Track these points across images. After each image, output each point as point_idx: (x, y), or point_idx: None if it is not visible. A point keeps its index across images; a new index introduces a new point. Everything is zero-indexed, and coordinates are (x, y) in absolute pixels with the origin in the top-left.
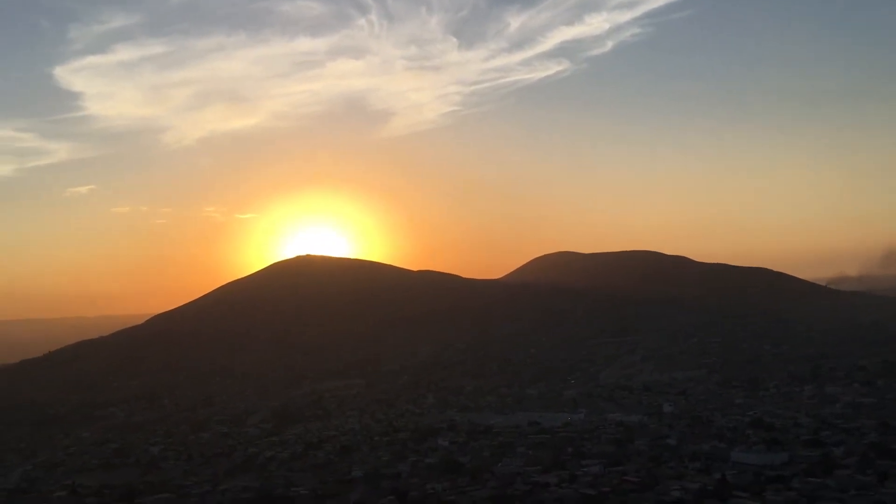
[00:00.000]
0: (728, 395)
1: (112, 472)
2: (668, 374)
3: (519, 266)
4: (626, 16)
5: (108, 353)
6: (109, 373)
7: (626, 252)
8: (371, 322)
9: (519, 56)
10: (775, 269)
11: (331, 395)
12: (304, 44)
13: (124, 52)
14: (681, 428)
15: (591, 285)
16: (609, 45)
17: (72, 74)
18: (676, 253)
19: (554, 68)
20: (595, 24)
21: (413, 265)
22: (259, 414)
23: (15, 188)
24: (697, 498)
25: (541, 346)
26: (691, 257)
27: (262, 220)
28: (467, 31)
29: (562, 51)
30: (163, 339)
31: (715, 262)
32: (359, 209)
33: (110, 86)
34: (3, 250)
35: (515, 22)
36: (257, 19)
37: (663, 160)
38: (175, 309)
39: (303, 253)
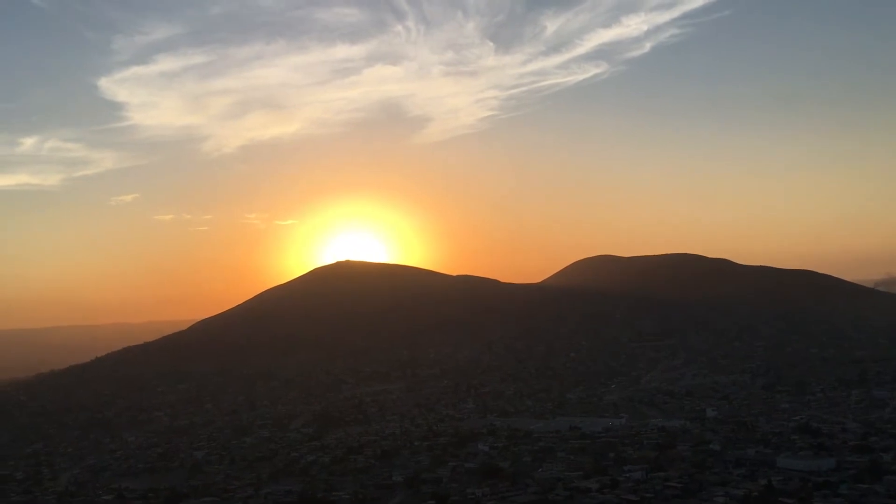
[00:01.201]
0: (773, 399)
1: (157, 475)
2: (711, 379)
3: (558, 270)
4: (664, 17)
5: (153, 359)
6: (155, 377)
7: (666, 255)
8: (410, 326)
9: (556, 59)
10: (821, 271)
11: (371, 400)
12: (342, 51)
13: (166, 63)
14: (725, 433)
15: (632, 289)
16: (647, 46)
17: (116, 85)
18: (718, 256)
19: (592, 71)
20: (633, 25)
21: (452, 270)
22: (300, 418)
23: (63, 197)
24: None
25: (581, 351)
26: (733, 260)
27: (303, 226)
28: (504, 35)
29: (599, 53)
30: (206, 345)
31: (758, 264)
32: (397, 214)
33: (153, 96)
34: (51, 258)
35: (552, 25)
36: (296, 27)
37: (704, 162)
38: (218, 315)
39: (342, 258)
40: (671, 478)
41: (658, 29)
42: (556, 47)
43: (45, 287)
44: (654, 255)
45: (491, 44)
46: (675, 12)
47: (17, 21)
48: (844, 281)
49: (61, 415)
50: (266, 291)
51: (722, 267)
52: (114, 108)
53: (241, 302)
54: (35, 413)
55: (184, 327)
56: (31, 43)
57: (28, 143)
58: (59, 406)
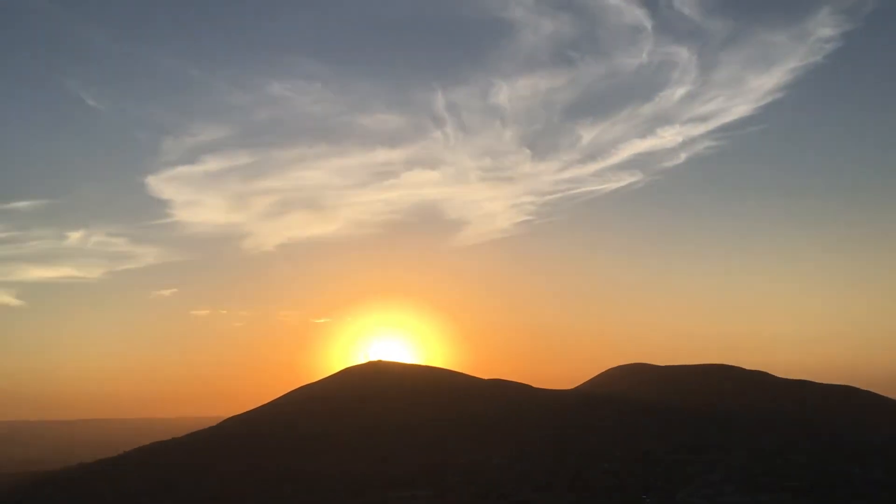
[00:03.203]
0: None
1: None
2: (752, 497)
3: (592, 377)
4: (699, 129)
5: (180, 455)
6: (181, 474)
7: (702, 365)
8: (440, 429)
9: (592, 167)
10: (863, 386)
11: None
12: (382, 155)
13: (212, 163)
14: None
15: (667, 398)
16: (682, 157)
17: (163, 183)
18: (756, 367)
19: (626, 179)
20: (668, 136)
21: (484, 373)
22: None
23: (104, 291)
24: None
25: (614, 461)
26: (772, 372)
27: (337, 324)
28: (540, 143)
29: (634, 163)
30: (235, 442)
31: (798, 377)
32: (431, 315)
33: (197, 194)
34: (88, 351)
35: (588, 135)
36: (338, 132)
37: (741, 272)
38: (248, 412)
39: (375, 358)
40: None
41: (693, 140)
42: (591, 155)
43: (79, 378)
44: (690, 365)
45: (528, 151)
46: (711, 125)
47: (74, 121)
48: (887, 398)
49: None
50: (297, 389)
51: (760, 379)
52: (159, 206)
53: (272, 399)
54: None
55: (213, 423)
56: (85, 142)
57: (74, 237)
58: (84, 501)
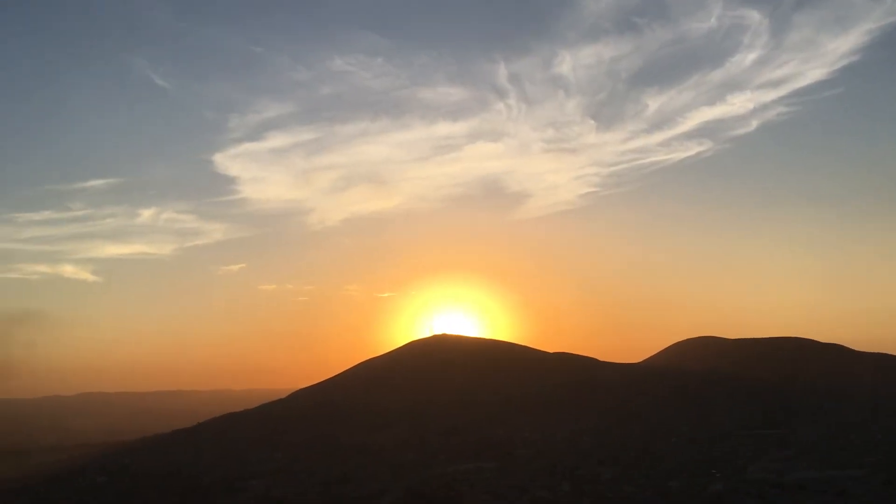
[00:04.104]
0: (895, 496)
1: None
2: (825, 472)
3: (659, 350)
4: (771, 95)
5: (251, 426)
6: (252, 445)
7: (774, 338)
8: (505, 403)
9: (658, 137)
10: None
11: (463, 478)
12: (444, 128)
13: (276, 140)
14: None
15: (737, 373)
16: (753, 124)
17: (229, 160)
18: (832, 340)
19: (695, 149)
20: (738, 103)
21: (549, 347)
22: (391, 494)
23: (174, 266)
24: None
25: (682, 436)
26: (849, 346)
27: (401, 298)
28: (605, 113)
29: (703, 131)
30: (304, 414)
31: (876, 351)
32: (495, 289)
33: (262, 171)
34: (160, 325)
35: (654, 103)
36: (400, 106)
37: (815, 242)
38: (315, 384)
39: (439, 332)
40: None
41: (765, 107)
42: (658, 125)
43: (153, 352)
44: (761, 338)
45: (592, 121)
46: (783, 90)
47: (143, 100)
48: None
49: (161, 479)
50: (363, 363)
51: (835, 352)
52: (226, 182)
53: (338, 372)
54: (137, 476)
55: (282, 395)
56: (154, 121)
57: (146, 214)
58: (160, 470)
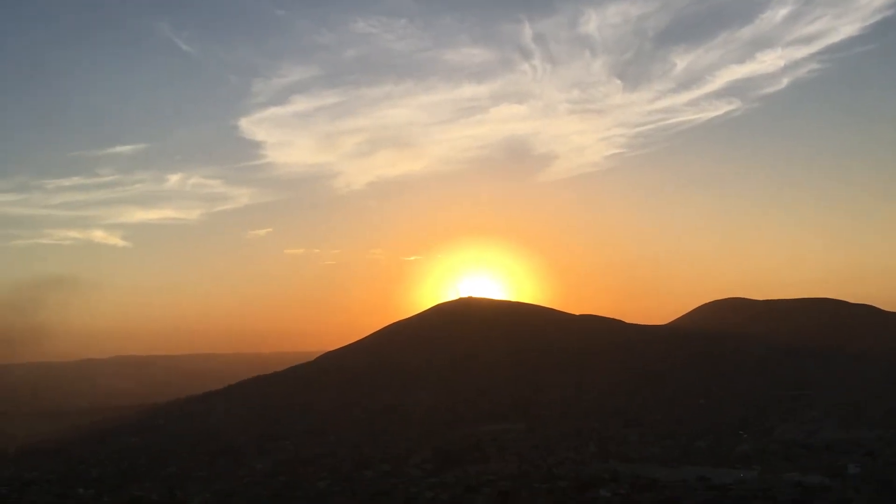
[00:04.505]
0: None
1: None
2: (854, 433)
3: (686, 312)
4: (802, 52)
5: (281, 388)
6: (282, 407)
7: (803, 299)
8: (531, 365)
9: (686, 96)
10: None
11: (490, 439)
12: (468, 90)
13: (301, 103)
14: (868, 492)
15: (765, 334)
16: (784, 82)
17: (254, 125)
18: (862, 301)
19: (724, 108)
20: (768, 61)
21: (575, 309)
22: (420, 454)
23: (202, 231)
24: None
25: (710, 397)
26: (880, 306)
27: (427, 262)
28: (631, 72)
29: (732, 90)
30: (332, 377)
31: None
32: (521, 252)
33: (288, 135)
34: (189, 289)
35: (682, 62)
36: (424, 68)
37: (845, 201)
38: (343, 347)
39: (465, 295)
40: None
41: (796, 64)
42: (685, 84)
43: (183, 315)
44: (790, 299)
45: (618, 81)
46: (815, 47)
47: (168, 66)
48: None
49: (194, 439)
50: (389, 326)
51: (865, 313)
52: (252, 147)
53: (365, 335)
54: (171, 437)
55: (310, 359)
56: (180, 86)
57: (173, 179)
58: (193, 431)
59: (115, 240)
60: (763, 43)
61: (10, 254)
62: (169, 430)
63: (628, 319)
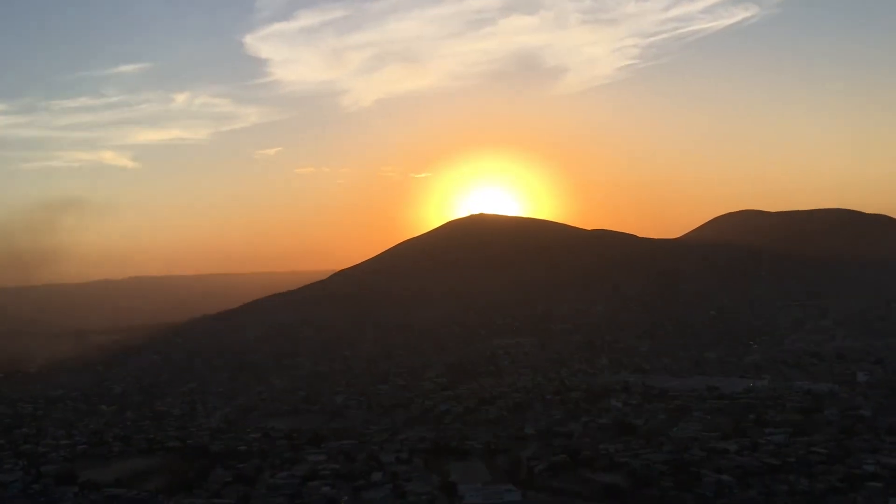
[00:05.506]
0: None
1: (300, 417)
2: (864, 341)
3: (700, 224)
4: None
5: (295, 307)
6: (297, 325)
7: (818, 210)
8: (544, 280)
9: (701, 3)
10: None
11: (503, 353)
12: (477, 1)
13: (306, 18)
14: (877, 399)
15: (778, 245)
16: None
17: (260, 42)
18: (877, 211)
19: (740, 15)
20: None
21: (587, 224)
22: (435, 368)
23: (210, 151)
24: (894, 474)
25: (722, 309)
26: (895, 216)
27: (437, 178)
28: None
29: None
30: (346, 295)
31: None
32: (532, 167)
33: (294, 52)
34: (200, 210)
35: None
36: None
37: (861, 110)
38: (356, 265)
39: (477, 211)
40: (816, 443)
41: None
42: None
43: (193, 236)
44: (805, 210)
45: None
46: None
47: None
48: None
49: (213, 357)
50: (401, 244)
51: (880, 223)
52: (258, 65)
53: (377, 253)
54: (190, 354)
55: (324, 277)
56: (182, 3)
57: (180, 98)
58: (212, 349)
59: (125, 161)
60: None
61: (21, 176)
62: (188, 348)
63: (642, 233)
